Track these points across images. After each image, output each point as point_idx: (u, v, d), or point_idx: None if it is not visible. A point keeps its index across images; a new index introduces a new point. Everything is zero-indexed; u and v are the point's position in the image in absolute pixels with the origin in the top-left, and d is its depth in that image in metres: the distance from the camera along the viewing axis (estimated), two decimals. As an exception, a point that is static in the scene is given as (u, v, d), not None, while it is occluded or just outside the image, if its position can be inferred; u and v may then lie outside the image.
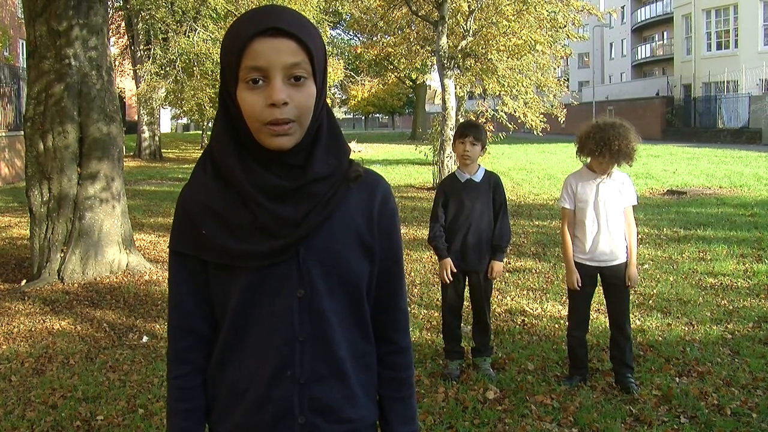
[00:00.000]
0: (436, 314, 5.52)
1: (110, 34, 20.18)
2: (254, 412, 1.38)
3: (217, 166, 1.36)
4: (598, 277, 4.19)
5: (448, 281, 4.37)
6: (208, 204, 1.35)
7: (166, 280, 1.45)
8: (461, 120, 13.33)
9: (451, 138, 13.51)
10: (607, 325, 5.11)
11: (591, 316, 4.44)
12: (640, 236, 8.07)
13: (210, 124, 27.44)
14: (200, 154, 1.39)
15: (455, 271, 4.35)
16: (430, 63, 21.76)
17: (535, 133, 16.78)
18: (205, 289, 1.42)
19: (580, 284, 4.14)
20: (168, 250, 1.45)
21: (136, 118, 30.15)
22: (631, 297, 4.29)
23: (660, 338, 5.03)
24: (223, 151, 1.34)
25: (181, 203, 1.41)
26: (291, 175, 1.33)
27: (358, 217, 1.40)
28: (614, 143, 3.89)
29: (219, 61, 1.39)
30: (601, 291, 4.27)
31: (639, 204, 5.06)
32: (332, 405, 1.39)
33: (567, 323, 4.45)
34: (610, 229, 4.05)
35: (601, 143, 3.92)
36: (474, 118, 14.44)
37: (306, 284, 1.36)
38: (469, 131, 4.29)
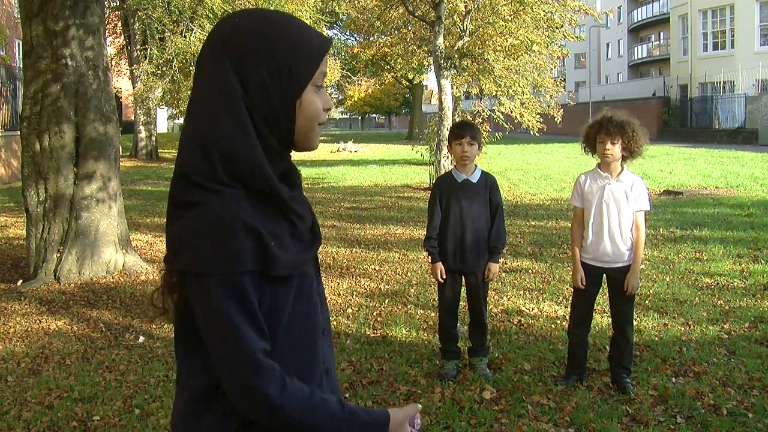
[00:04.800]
0: (433, 314, 5.52)
1: (107, 34, 20.11)
2: None
3: (244, 179, 1.30)
4: (604, 278, 4.19)
5: (440, 281, 4.40)
6: (256, 217, 1.29)
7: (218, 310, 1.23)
8: (458, 120, 13.34)
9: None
10: (605, 325, 5.15)
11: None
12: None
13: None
14: (208, 166, 1.27)
15: (444, 277, 4.37)
16: (427, 63, 21.76)
17: (531, 133, 16.81)
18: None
19: (584, 283, 4.14)
20: (220, 275, 1.24)
21: (132, 118, 30.11)
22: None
23: (656, 338, 5.04)
24: (260, 161, 1.30)
25: (232, 219, 1.25)
26: (293, 183, 1.43)
27: None
28: (628, 125, 3.93)
29: (268, 67, 1.30)
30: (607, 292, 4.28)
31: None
32: (339, 389, 1.51)
33: (568, 321, 4.46)
34: (613, 231, 4.03)
35: (609, 121, 3.94)
36: (470, 118, 14.45)
37: (320, 281, 1.49)
38: (466, 131, 4.30)
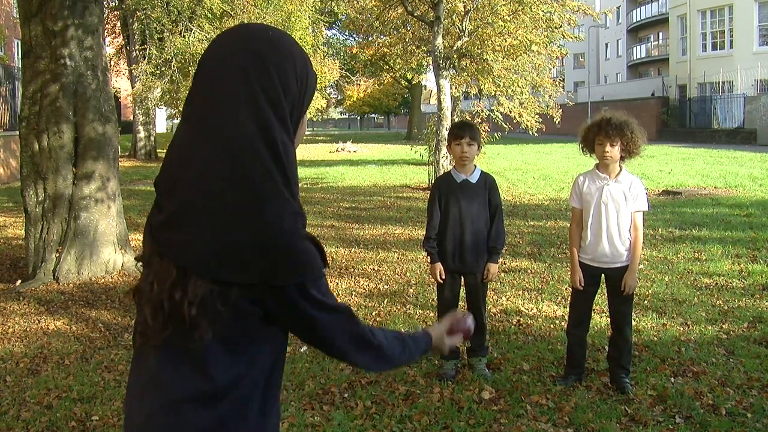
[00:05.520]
0: (432, 314, 5.52)
1: (106, 34, 20.12)
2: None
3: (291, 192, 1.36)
4: (603, 278, 4.19)
5: (440, 281, 4.40)
6: None
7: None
8: (457, 120, 13.35)
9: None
10: (603, 325, 5.15)
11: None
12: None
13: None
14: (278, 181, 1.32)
15: (443, 277, 4.37)
16: (426, 63, 21.81)
17: (530, 133, 16.81)
18: None
19: (582, 284, 4.14)
20: (321, 271, 1.38)
21: (131, 118, 30.11)
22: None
23: (655, 338, 5.04)
24: (296, 175, 1.39)
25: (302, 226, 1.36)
26: None
27: None
28: (626, 125, 3.93)
29: (288, 87, 1.37)
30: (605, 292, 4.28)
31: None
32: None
33: (567, 321, 4.46)
34: (612, 232, 4.03)
35: (608, 123, 3.94)
36: (469, 118, 14.45)
37: None
38: (465, 132, 4.30)
